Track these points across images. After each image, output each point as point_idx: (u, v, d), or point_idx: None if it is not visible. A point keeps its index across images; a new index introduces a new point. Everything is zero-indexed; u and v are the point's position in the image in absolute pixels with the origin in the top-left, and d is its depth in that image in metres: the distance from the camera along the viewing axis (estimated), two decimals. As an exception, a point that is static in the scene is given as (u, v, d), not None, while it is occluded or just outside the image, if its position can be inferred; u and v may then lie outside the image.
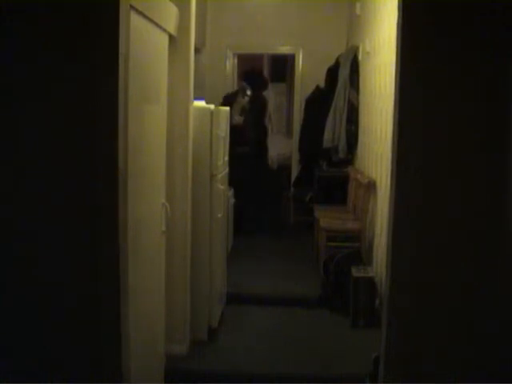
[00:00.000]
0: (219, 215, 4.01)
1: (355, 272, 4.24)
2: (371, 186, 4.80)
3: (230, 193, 5.46)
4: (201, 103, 3.88)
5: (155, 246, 3.03)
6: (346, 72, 5.96)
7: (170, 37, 3.27)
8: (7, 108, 2.07)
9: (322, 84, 6.65)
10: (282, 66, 9.76)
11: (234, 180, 5.06)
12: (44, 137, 2.08)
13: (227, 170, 4.53)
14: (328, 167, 6.50)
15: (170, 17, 3.18)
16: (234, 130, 5.34)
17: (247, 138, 6.64)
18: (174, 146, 3.46)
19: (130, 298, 2.38)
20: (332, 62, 6.49)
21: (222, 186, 4.08)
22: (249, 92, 6.62)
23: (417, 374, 2.03)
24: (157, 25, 2.87)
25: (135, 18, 2.42)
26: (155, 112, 2.95)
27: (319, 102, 6.55)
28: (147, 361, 2.88)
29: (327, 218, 5.24)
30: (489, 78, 1.94)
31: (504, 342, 1.95)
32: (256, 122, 6.90)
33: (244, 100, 6.63)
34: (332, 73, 6.42)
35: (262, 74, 8.07)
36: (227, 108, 4.59)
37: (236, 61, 6.92)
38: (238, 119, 6.53)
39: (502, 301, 1.94)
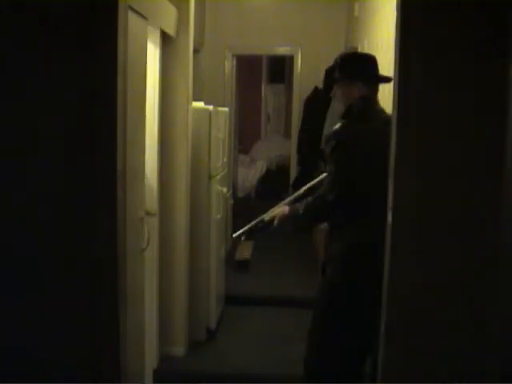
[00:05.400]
0: (218, 216, 4.01)
1: (354, 273, 4.22)
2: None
3: (229, 194, 5.45)
4: (200, 104, 3.88)
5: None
6: (344, 73, 5.95)
7: (169, 38, 3.27)
8: (6, 108, 2.07)
9: (321, 85, 6.64)
10: (281, 67, 9.79)
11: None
12: (43, 137, 2.08)
13: (226, 170, 4.52)
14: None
15: (168, 18, 3.18)
16: None
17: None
18: (172, 146, 3.46)
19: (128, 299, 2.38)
20: (330, 63, 6.48)
21: (220, 187, 4.08)
22: None
23: (417, 374, 2.03)
24: (155, 26, 2.87)
25: (133, 19, 2.42)
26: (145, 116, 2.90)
27: (318, 102, 6.55)
28: (139, 363, 2.88)
29: (326, 219, 5.22)
30: (489, 78, 1.94)
31: (504, 341, 1.94)
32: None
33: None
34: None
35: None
36: (226, 108, 4.57)
37: (235, 62, 6.92)
38: None
39: (502, 300, 1.94)
